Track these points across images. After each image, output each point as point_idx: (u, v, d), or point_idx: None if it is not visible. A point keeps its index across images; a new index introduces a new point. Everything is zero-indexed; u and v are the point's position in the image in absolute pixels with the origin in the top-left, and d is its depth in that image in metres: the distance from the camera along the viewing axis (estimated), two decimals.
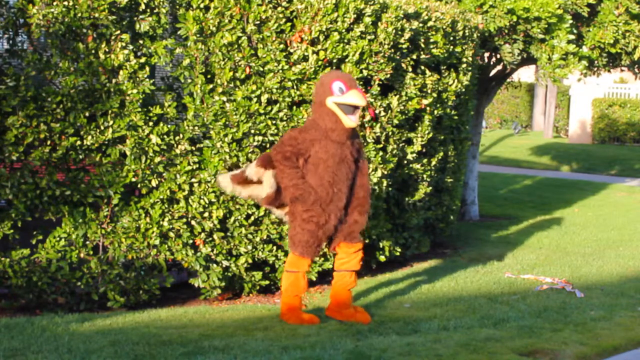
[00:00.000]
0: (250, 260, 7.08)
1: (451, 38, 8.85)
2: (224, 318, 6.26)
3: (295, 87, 7.11)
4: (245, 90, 6.88)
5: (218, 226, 6.90)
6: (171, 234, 6.77)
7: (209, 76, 6.85)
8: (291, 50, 7.12)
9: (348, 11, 7.29)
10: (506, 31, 10.27)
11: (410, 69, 8.14)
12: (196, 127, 6.77)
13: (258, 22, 6.93)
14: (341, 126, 5.81)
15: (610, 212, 13.47)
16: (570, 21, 10.26)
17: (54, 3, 6.28)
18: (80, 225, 6.56)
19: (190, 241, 6.82)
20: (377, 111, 7.80)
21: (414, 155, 8.40)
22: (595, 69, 11.91)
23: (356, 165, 6.00)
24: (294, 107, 7.17)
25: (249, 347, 5.29)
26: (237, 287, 7.27)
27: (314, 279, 7.39)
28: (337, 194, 5.88)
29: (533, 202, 14.67)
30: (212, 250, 6.90)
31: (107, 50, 6.46)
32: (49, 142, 6.35)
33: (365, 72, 7.50)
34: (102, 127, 6.48)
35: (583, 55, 10.58)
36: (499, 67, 12.12)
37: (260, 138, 6.96)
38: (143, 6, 6.60)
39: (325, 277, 7.53)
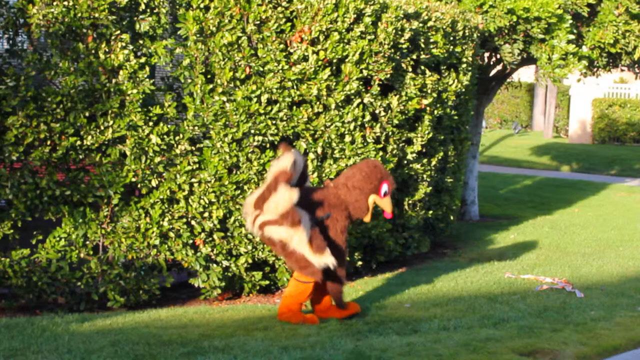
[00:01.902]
0: (250, 260, 7.08)
1: (451, 38, 8.85)
2: (224, 318, 6.26)
3: (295, 87, 7.11)
4: (245, 90, 6.88)
5: (218, 226, 6.90)
6: (171, 234, 6.77)
7: (209, 76, 6.86)
8: (291, 50, 7.12)
9: (348, 11, 7.29)
10: (506, 31, 10.27)
11: (410, 69, 8.15)
12: (196, 127, 6.77)
13: (258, 22, 6.93)
14: (363, 217, 6.14)
15: (610, 212, 13.47)
16: (570, 21, 10.26)
17: (54, 3, 6.28)
18: (80, 225, 6.56)
19: (190, 241, 6.82)
20: (377, 111, 7.81)
21: (414, 155, 8.40)
22: (595, 69, 11.92)
23: None
24: (294, 107, 7.17)
25: (249, 347, 5.29)
26: (237, 287, 7.27)
27: None
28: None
29: (533, 202, 14.67)
30: (212, 250, 6.90)
31: (107, 50, 6.46)
32: (49, 142, 6.35)
33: (365, 72, 7.50)
34: (102, 127, 6.48)
35: (583, 55, 10.58)
36: (499, 67, 12.12)
37: (260, 138, 6.96)
38: (143, 6, 6.60)
39: None
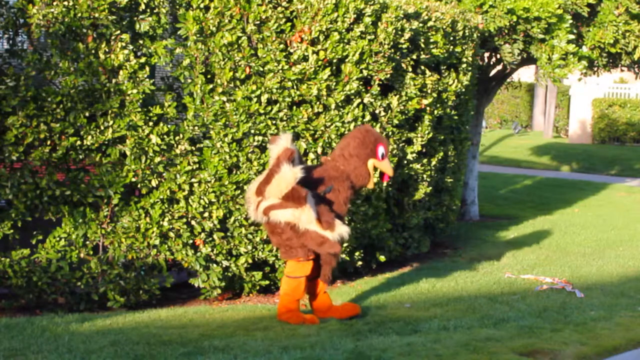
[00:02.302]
0: (250, 260, 7.08)
1: (451, 38, 8.85)
2: (224, 318, 6.26)
3: (295, 87, 7.11)
4: (245, 90, 6.88)
5: (218, 226, 6.90)
6: (171, 234, 6.77)
7: (209, 76, 6.85)
8: (291, 50, 7.12)
9: (348, 11, 7.29)
10: (506, 31, 10.27)
11: (410, 69, 8.14)
12: (196, 127, 6.77)
13: (258, 22, 6.93)
14: (366, 185, 6.14)
15: (610, 212, 13.47)
16: (570, 21, 10.26)
17: (54, 3, 6.28)
18: (80, 225, 6.56)
19: (190, 241, 6.82)
20: (377, 111, 7.80)
21: (414, 155, 8.40)
22: (595, 69, 11.92)
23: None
24: (294, 107, 7.17)
25: (249, 347, 5.29)
26: (237, 287, 7.27)
27: None
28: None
29: (533, 202, 14.67)
30: (212, 250, 6.90)
31: (107, 50, 6.46)
32: (49, 142, 6.35)
33: (365, 72, 7.50)
34: (102, 127, 6.48)
35: (583, 55, 10.58)
36: (499, 67, 12.12)
37: (260, 138, 6.96)
38: (143, 6, 6.60)
39: None
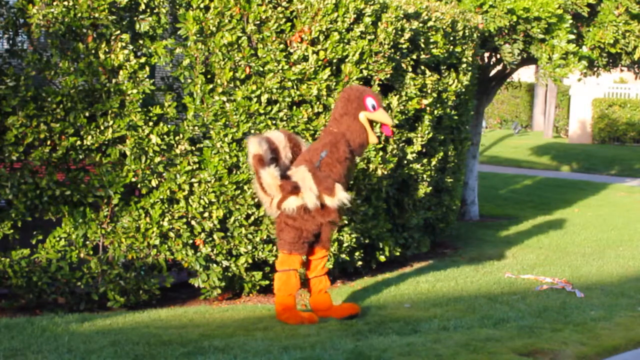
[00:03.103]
0: (250, 260, 7.08)
1: (451, 38, 8.85)
2: (224, 318, 6.26)
3: (295, 87, 7.11)
4: (245, 90, 6.88)
5: (218, 226, 6.90)
6: (171, 234, 6.77)
7: (209, 76, 6.85)
8: (291, 50, 7.12)
9: (348, 11, 7.29)
10: (506, 31, 10.27)
11: (410, 69, 8.14)
12: (196, 127, 6.77)
13: (258, 22, 6.93)
14: (365, 142, 6.00)
15: (610, 212, 13.47)
16: (570, 21, 10.26)
17: (54, 3, 6.28)
18: (80, 225, 6.56)
19: (190, 241, 6.82)
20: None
21: (414, 155, 8.40)
22: (595, 69, 11.92)
23: None
24: (294, 107, 7.17)
25: (249, 347, 5.29)
26: (237, 287, 7.27)
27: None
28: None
29: (533, 202, 14.68)
30: (212, 250, 6.90)
31: (107, 50, 6.46)
32: (49, 142, 6.35)
33: (365, 72, 7.50)
34: (102, 127, 6.48)
35: (583, 55, 10.58)
36: (499, 67, 12.12)
37: None
38: (143, 6, 6.60)
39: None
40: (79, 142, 6.43)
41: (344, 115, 5.97)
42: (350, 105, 5.97)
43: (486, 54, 11.66)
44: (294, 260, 5.97)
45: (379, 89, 7.70)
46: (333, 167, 5.91)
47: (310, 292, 6.24)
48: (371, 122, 6.04)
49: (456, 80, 8.91)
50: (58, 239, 6.54)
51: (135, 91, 6.51)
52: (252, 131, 6.92)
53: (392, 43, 7.69)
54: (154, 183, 6.69)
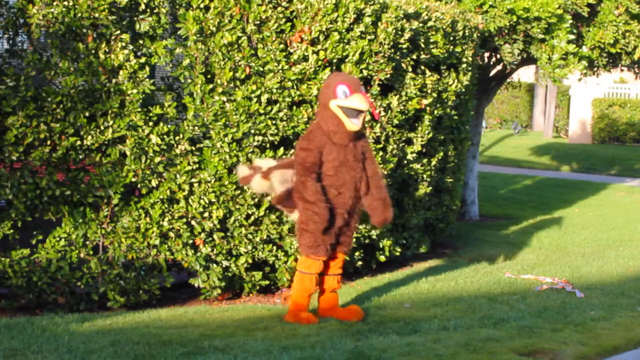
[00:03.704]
0: (250, 260, 7.08)
1: (451, 38, 8.85)
2: (224, 318, 6.26)
3: (295, 87, 7.11)
4: (245, 90, 6.88)
5: (218, 226, 6.90)
6: (171, 234, 6.77)
7: (209, 76, 6.85)
8: (291, 50, 7.12)
9: (348, 11, 7.29)
10: (506, 31, 10.27)
11: (410, 69, 8.14)
12: (196, 127, 6.77)
13: (258, 22, 6.93)
14: (343, 129, 5.82)
15: (610, 212, 13.47)
16: (570, 21, 10.26)
17: (54, 3, 6.28)
18: (80, 225, 6.56)
19: (190, 241, 6.82)
20: (377, 111, 7.79)
21: (414, 155, 8.40)
22: (595, 69, 11.92)
23: (368, 168, 6.00)
24: (294, 107, 7.17)
25: (249, 347, 5.29)
26: (237, 287, 7.27)
27: None
28: (339, 196, 5.88)
29: (533, 202, 14.68)
30: (212, 250, 6.90)
31: (107, 50, 6.46)
32: (49, 142, 6.34)
33: (365, 72, 7.50)
34: (102, 127, 6.48)
35: (583, 55, 10.58)
36: (499, 67, 12.13)
37: (260, 138, 6.96)
38: (143, 6, 6.60)
39: None
40: (79, 142, 6.43)
41: (320, 105, 5.94)
42: (322, 95, 5.91)
43: (486, 54, 11.66)
44: (313, 265, 5.92)
45: (379, 89, 7.70)
46: (307, 157, 5.83)
47: (322, 290, 6.20)
48: (354, 110, 5.82)
49: (456, 80, 8.91)
50: (58, 239, 6.54)
51: (135, 91, 6.51)
52: (252, 131, 6.92)
53: (392, 43, 7.69)
54: (154, 183, 6.69)
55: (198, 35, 6.72)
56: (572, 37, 10.16)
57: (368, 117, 7.59)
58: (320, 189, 5.79)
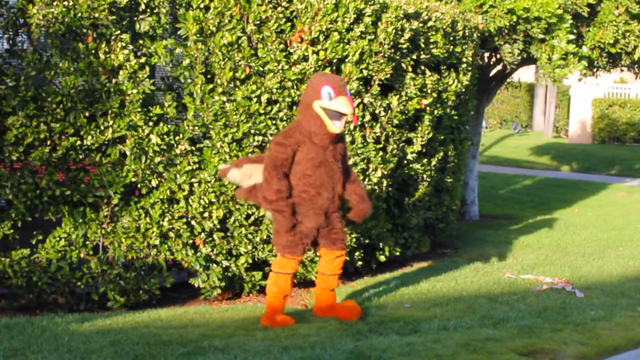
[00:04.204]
0: (250, 260, 7.08)
1: (451, 38, 8.85)
2: (224, 318, 6.26)
3: (295, 87, 7.11)
4: (245, 90, 6.88)
5: (218, 226, 6.90)
6: (171, 234, 6.77)
7: (209, 76, 6.85)
8: (291, 50, 7.12)
9: (348, 11, 7.29)
10: (506, 31, 10.27)
11: (410, 69, 8.14)
12: (196, 127, 6.77)
13: (258, 22, 6.93)
14: (325, 131, 5.78)
15: (610, 212, 13.47)
16: (570, 21, 10.26)
17: (54, 3, 6.28)
18: (80, 225, 6.56)
19: (190, 241, 6.82)
20: (377, 111, 7.80)
21: (414, 155, 8.40)
22: (595, 69, 11.92)
23: (343, 168, 5.99)
24: (294, 107, 7.16)
25: (249, 347, 5.29)
26: (237, 287, 7.27)
27: (314, 278, 7.38)
28: (317, 197, 5.86)
29: (533, 202, 14.68)
30: (212, 250, 6.90)
31: (107, 50, 6.46)
32: (49, 142, 6.34)
33: (365, 72, 7.50)
34: (102, 127, 6.48)
35: (583, 55, 10.58)
36: (499, 67, 12.12)
37: (260, 138, 6.96)
38: (143, 6, 6.60)
39: None
40: (79, 142, 6.43)
41: (302, 104, 5.88)
42: (306, 94, 5.85)
43: (486, 54, 11.66)
44: (288, 265, 5.89)
45: (379, 89, 7.70)
46: (301, 162, 5.81)
47: (321, 289, 6.18)
48: (337, 112, 5.77)
49: (456, 80, 8.91)
50: (58, 239, 6.54)
51: (135, 91, 6.51)
52: (252, 131, 6.92)
53: (392, 43, 7.69)
54: (154, 183, 6.69)
55: (198, 35, 6.72)
56: (572, 37, 10.16)
57: (368, 118, 7.60)
58: (285, 188, 5.75)
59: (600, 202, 14.92)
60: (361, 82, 7.51)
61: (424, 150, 8.68)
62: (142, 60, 6.59)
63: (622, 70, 12.89)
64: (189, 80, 6.79)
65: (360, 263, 8.07)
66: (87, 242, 6.62)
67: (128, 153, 6.56)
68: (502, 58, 10.61)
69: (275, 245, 5.96)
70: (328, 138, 5.80)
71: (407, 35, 7.88)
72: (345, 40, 7.35)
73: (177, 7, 6.79)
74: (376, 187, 7.87)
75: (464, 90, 9.18)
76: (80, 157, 6.50)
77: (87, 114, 6.45)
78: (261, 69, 6.95)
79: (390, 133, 8.01)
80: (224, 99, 6.81)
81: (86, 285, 6.59)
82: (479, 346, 5.41)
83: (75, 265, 6.59)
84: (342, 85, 5.80)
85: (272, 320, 5.91)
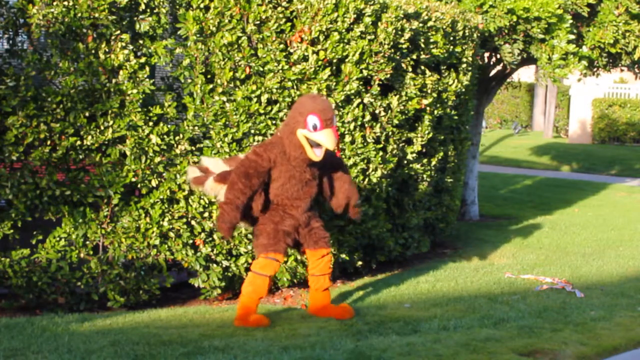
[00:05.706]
0: (250, 260, 7.08)
1: (451, 38, 8.85)
2: (224, 318, 6.26)
3: (295, 87, 7.11)
4: (245, 90, 6.88)
5: None
6: (171, 234, 6.77)
7: (209, 76, 6.85)
8: (291, 50, 7.12)
9: (348, 11, 7.29)
10: (506, 31, 10.27)
11: (410, 69, 8.14)
12: (196, 127, 6.77)
13: (258, 22, 6.93)
14: (305, 157, 5.79)
15: (610, 212, 13.48)
16: (570, 21, 10.26)
17: (54, 3, 6.28)
18: (80, 225, 6.56)
19: (190, 241, 6.82)
20: (377, 111, 7.80)
21: (414, 155, 8.40)
22: (595, 69, 11.92)
23: (320, 180, 6.05)
24: None
25: (249, 347, 5.29)
26: (237, 287, 7.26)
27: None
28: (294, 210, 5.94)
29: (533, 202, 14.68)
30: (212, 250, 6.90)
31: (107, 50, 6.46)
32: (49, 142, 6.35)
33: (365, 72, 7.50)
34: (102, 127, 6.48)
35: (583, 55, 10.58)
36: (499, 67, 12.12)
37: (260, 138, 6.96)
38: (143, 6, 6.60)
39: None
40: (79, 142, 6.43)
41: (287, 125, 5.84)
42: (292, 117, 5.79)
43: (486, 54, 11.66)
44: (269, 266, 5.88)
45: (379, 89, 7.70)
46: (278, 179, 5.87)
47: (314, 290, 6.22)
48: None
49: (456, 80, 8.91)
50: (58, 239, 6.54)
51: (135, 91, 6.51)
52: (252, 131, 6.92)
53: (392, 43, 7.69)
54: (154, 183, 6.69)
55: (198, 35, 6.72)
56: (572, 37, 10.16)
57: (367, 118, 7.60)
58: (243, 196, 5.75)
59: (600, 202, 14.92)
60: (361, 82, 7.51)
61: (424, 150, 8.68)
62: (142, 60, 6.59)
63: (622, 70, 12.89)
64: (189, 80, 6.79)
65: (360, 263, 8.08)
66: (87, 242, 6.62)
67: (128, 153, 6.56)
68: (502, 58, 10.61)
69: (256, 248, 5.96)
70: (307, 162, 5.85)
71: (407, 35, 7.88)
72: (345, 40, 7.35)
73: (177, 7, 6.79)
74: (376, 187, 7.87)
75: (464, 90, 9.18)
76: (80, 157, 6.50)
77: (87, 114, 6.45)
78: (261, 69, 6.95)
79: (390, 133, 8.01)
80: (224, 99, 6.81)
81: (86, 285, 6.59)
82: (479, 346, 5.42)
83: (75, 265, 6.59)
84: (329, 117, 5.72)
85: (245, 320, 5.90)
